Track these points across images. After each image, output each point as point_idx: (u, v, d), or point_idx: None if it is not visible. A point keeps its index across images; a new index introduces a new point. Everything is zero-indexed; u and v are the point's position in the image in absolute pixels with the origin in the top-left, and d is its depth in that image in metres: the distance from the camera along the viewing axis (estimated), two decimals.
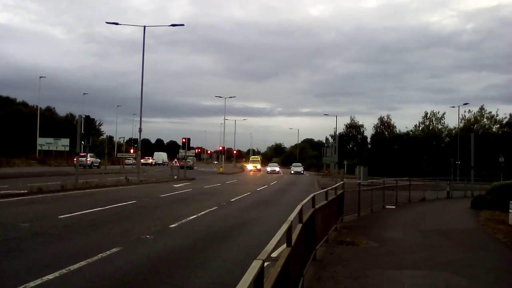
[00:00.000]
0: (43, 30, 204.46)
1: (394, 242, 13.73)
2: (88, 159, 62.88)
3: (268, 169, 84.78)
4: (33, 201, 20.09)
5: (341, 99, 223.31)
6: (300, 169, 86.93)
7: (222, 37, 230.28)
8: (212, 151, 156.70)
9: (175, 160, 51.17)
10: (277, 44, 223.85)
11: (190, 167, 69.34)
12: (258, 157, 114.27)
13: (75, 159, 57.22)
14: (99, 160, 71.90)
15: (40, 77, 78.83)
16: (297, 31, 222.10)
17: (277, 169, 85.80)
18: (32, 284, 7.73)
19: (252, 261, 3.35)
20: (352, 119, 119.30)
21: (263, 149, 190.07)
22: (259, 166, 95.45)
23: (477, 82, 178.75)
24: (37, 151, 75.46)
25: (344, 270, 9.61)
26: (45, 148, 76.47)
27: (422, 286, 8.59)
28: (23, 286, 7.57)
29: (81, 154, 64.85)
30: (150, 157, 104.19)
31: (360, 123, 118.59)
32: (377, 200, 23.09)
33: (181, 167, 50.81)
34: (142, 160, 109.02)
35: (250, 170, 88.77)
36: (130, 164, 78.44)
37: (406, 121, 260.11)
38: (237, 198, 25.93)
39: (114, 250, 10.67)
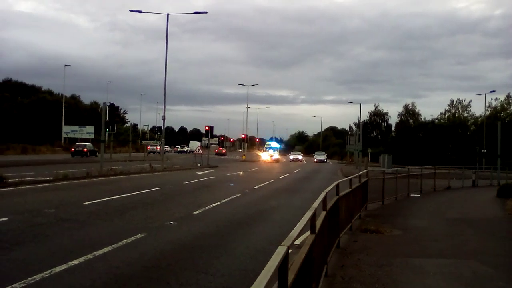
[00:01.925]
0: (67, 19, 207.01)
1: (418, 230, 13.59)
2: (158, 147, 73.84)
3: (291, 157, 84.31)
4: (58, 188, 20.35)
5: (365, 87, 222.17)
6: (323, 157, 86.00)
7: (245, 24, 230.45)
8: (235, 139, 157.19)
9: (199, 147, 51.36)
10: (300, 31, 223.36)
11: (224, 154, 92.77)
12: (276, 144, 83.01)
13: (148, 147, 66.81)
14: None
15: (65, 65, 79.78)
16: (320, 17, 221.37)
17: (300, 157, 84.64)
18: (58, 269, 7.82)
19: (275, 248, 3.31)
20: (376, 107, 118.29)
21: (285, 137, 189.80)
22: (276, 156, 74.06)
23: (505, 69, 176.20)
24: (63, 139, 76.50)
25: (368, 258, 9.54)
26: (70, 135, 77.54)
27: (447, 275, 8.48)
28: (49, 270, 7.66)
29: (152, 143, 72.31)
30: (186, 145, 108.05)
31: (385, 111, 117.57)
32: (402, 188, 22.88)
33: (216, 153, 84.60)
34: (177, 148, 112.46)
35: (264, 161, 69.16)
36: (168, 152, 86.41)
37: (431, 109, 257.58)
38: (259, 185, 25.95)
39: (138, 236, 10.75)
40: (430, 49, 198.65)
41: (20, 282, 7.00)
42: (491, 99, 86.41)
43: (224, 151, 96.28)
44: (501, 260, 10.11)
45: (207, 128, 51.57)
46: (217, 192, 21.27)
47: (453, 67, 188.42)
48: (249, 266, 8.61)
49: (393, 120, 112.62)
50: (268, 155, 72.68)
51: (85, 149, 55.39)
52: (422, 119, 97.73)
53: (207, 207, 16.05)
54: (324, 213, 7.07)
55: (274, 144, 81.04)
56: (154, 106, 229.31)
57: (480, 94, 77.53)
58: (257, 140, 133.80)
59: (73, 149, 55.34)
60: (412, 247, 11.12)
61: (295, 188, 25.86)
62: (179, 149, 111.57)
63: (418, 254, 10.24)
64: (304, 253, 4.75)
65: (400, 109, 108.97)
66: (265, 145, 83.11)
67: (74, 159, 46.80)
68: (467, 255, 10.28)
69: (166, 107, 41.05)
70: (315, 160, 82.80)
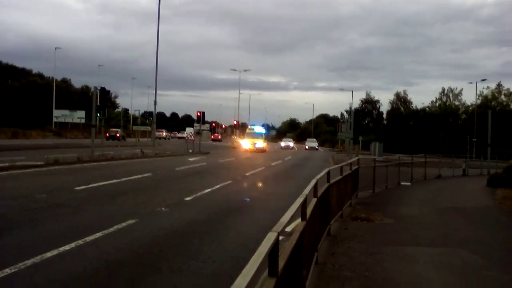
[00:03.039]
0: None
1: (409, 218, 13.68)
2: (164, 133, 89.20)
3: (282, 144, 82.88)
4: (49, 173, 20.27)
5: (358, 74, 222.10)
6: (315, 144, 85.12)
7: (238, 8, 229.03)
8: (227, 125, 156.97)
9: (190, 133, 51.23)
10: (294, 16, 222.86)
11: (219, 140, 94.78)
12: (261, 129, 63.51)
13: (165, 132, 75.47)
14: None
15: (56, 48, 79.14)
16: (314, 2, 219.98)
17: (291, 144, 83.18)
18: (48, 254, 7.80)
19: (266, 235, 3.31)
20: (368, 94, 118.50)
21: (278, 124, 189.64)
22: (261, 144, 56.61)
23: (497, 58, 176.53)
24: (53, 123, 76.07)
25: (358, 246, 9.59)
26: (61, 120, 77.09)
27: (437, 264, 8.55)
28: (40, 256, 7.65)
29: (159, 129, 76.88)
30: (183, 131, 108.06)
31: (376, 98, 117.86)
32: (392, 177, 22.99)
33: (213, 140, 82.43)
34: (173, 134, 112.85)
35: (245, 150, 55.33)
36: (163, 138, 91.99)
37: (423, 97, 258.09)
38: (251, 172, 25.96)
39: (129, 222, 10.74)
40: (423, 36, 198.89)
41: (11, 267, 6.98)
42: (483, 88, 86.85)
43: (219, 137, 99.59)
44: (491, 249, 10.19)
45: (198, 114, 51.36)
46: (208, 179, 21.26)
47: (447, 55, 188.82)
48: (240, 253, 8.64)
49: (385, 108, 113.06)
50: (250, 142, 56.03)
51: (117, 134, 68.25)
52: (414, 107, 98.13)
53: (198, 194, 16.05)
54: (315, 200, 7.09)
55: (259, 129, 61.96)
56: (146, 91, 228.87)
57: (471, 83, 78.38)
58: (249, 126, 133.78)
59: (108, 134, 66.16)
60: (402, 235, 11.20)
61: (287, 175, 25.92)
62: (178, 135, 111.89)
63: (409, 243, 10.31)
64: (295, 240, 4.76)
65: (392, 96, 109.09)
66: (247, 130, 64.31)
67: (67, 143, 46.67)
68: (458, 244, 10.36)
69: (158, 92, 41.02)
70: (307, 147, 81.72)
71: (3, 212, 11.09)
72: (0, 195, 13.50)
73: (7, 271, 6.85)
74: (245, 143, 57.89)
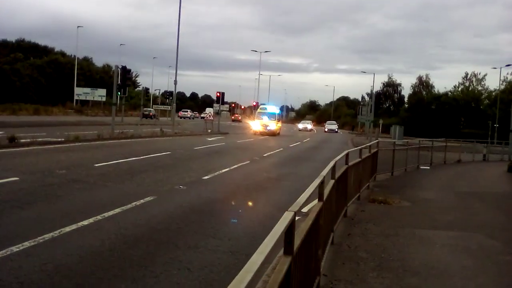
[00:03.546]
0: None
1: (427, 202, 13.60)
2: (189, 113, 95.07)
3: (300, 126, 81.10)
4: (69, 149, 20.49)
5: (380, 57, 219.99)
6: (334, 127, 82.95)
7: None
8: (246, 106, 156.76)
9: (209, 113, 51.24)
10: None
11: (240, 121, 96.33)
12: (274, 109, 54.21)
13: (180, 112, 77.32)
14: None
15: (78, 26, 79.24)
16: None
17: (310, 126, 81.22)
18: (67, 229, 7.92)
19: (283, 215, 3.32)
20: (389, 78, 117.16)
21: (297, 106, 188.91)
22: (273, 126, 49.19)
23: None
24: (75, 101, 76.66)
25: (375, 228, 9.58)
26: (82, 98, 77.68)
27: (454, 247, 8.51)
28: (59, 230, 7.77)
29: (185, 110, 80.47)
30: (204, 112, 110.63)
31: (398, 81, 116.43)
32: (412, 160, 22.84)
33: (233, 120, 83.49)
34: (197, 114, 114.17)
35: (255, 132, 48.27)
36: (187, 117, 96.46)
37: (446, 81, 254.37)
38: (269, 153, 26.00)
39: (148, 199, 10.85)
40: (447, 20, 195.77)
41: (30, 241, 7.11)
42: (507, 73, 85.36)
43: (240, 118, 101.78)
44: (508, 234, 10.12)
45: (218, 94, 51.24)
46: (226, 158, 21.34)
47: (470, 40, 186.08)
48: (257, 232, 8.68)
49: (406, 91, 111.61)
50: (260, 124, 48.74)
51: (151, 114, 71.50)
52: (436, 91, 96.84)
53: (216, 173, 16.13)
54: (332, 181, 7.08)
55: (272, 109, 53.25)
56: (166, 71, 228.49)
57: (495, 68, 76.64)
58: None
59: (143, 113, 70.36)
60: (419, 218, 11.15)
61: (305, 157, 25.89)
62: (203, 115, 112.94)
63: (426, 226, 10.27)
64: (311, 220, 4.77)
65: (414, 80, 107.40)
66: (258, 109, 55.04)
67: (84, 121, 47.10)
68: (475, 229, 10.29)
69: (178, 71, 41.10)
70: (326, 130, 79.88)
71: (23, 187, 11.25)
72: (21, 170, 13.68)
73: (27, 244, 6.98)
74: (255, 125, 49.65)
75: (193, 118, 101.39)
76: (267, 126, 48.36)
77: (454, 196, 15.31)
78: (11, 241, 7.04)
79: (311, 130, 78.47)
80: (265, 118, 49.36)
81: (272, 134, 47.45)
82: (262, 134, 46.72)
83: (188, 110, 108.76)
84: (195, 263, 6.80)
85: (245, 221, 9.69)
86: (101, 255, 6.91)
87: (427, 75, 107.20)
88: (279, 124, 52.60)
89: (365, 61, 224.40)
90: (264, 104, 60.70)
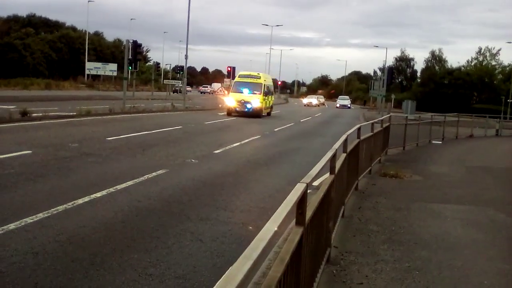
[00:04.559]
0: None
1: (438, 176, 13.57)
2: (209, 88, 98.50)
3: (304, 101, 76.09)
4: (81, 123, 20.59)
5: (393, 31, 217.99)
6: (347, 102, 78.04)
7: None
8: None
9: (220, 88, 51.11)
10: None
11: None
12: (259, 78, 35.65)
13: (200, 88, 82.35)
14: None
15: (89, 1, 78.89)
16: None
17: (315, 101, 74.79)
18: (80, 201, 8.01)
19: (294, 187, 3.33)
20: (402, 52, 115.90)
21: (308, 81, 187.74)
22: (256, 103, 33.68)
23: None
24: (86, 75, 76.75)
25: (386, 201, 9.59)
26: (93, 72, 77.64)
27: (465, 221, 8.51)
28: (72, 202, 7.86)
29: (204, 85, 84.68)
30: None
31: (411, 56, 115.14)
32: (424, 135, 22.71)
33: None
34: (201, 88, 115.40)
35: (229, 110, 33.76)
36: (207, 92, 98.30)
37: (459, 56, 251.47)
38: (280, 128, 25.98)
39: (160, 172, 10.92)
40: None
41: (44, 212, 7.20)
42: None
43: None
44: None
45: (229, 69, 50.82)
46: (237, 133, 21.37)
47: (484, 14, 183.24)
48: (268, 204, 8.74)
49: (419, 66, 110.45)
50: (235, 100, 33.62)
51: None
52: (449, 66, 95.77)
53: (227, 147, 16.17)
54: (344, 155, 7.08)
55: (257, 78, 35.72)
56: (177, 45, 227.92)
57: (510, 42, 75.37)
58: (279, 83, 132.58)
59: (173, 89, 76.36)
60: (431, 192, 11.13)
61: (316, 132, 25.86)
62: (201, 90, 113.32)
63: (437, 200, 10.26)
64: (323, 192, 4.79)
65: (426, 55, 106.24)
66: (237, 77, 37.43)
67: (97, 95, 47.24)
68: (486, 203, 10.26)
69: (189, 46, 40.85)
70: (338, 105, 74.84)
71: (36, 160, 11.35)
72: (33, 143, 13.78)
73: (40, 215, 7.07)
74: (229, 100, 34.01)
75: (212, 93, 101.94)
76: (246, 102, 33.09)
77: (465, 171, 15.24)
78: (26, 212, 7.14)
79: (316, 105, 73.40)
80: (246, 91, 33.80)
81: (255, 114, 32.84)
82: (238, 113, 32.96)
83: (208, 86, 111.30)
84: (207, 235, 6.87)
85: (256, 194, 9.74)
86: (114, 226, 7.00)
87: (440, 50, 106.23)
88: (270, 100, 37.97)
89: (378, 36, 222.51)
90: (243, 75, 36.56)
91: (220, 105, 42.88)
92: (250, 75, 35.91)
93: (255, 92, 34.04)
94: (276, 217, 2.65)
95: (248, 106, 33.04)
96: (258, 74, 36.33)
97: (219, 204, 8.55)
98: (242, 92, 33.94)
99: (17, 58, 67.02)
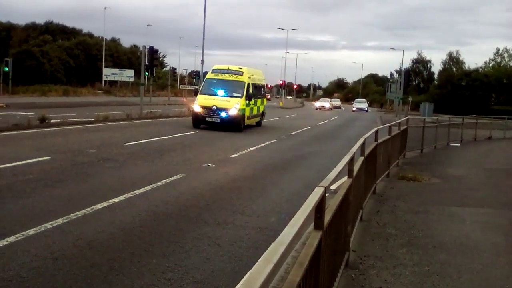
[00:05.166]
0: None
1: (457, 179, 13.44)
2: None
3: (317, 104, 71.52)
4: (99, 129, 20.73)
5: (409, 33, 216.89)
6: (364, 105, 71.85)
7: None
8: (273, 85, 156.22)
9: None
10: None
11: (268, 99, 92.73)
12: (245, 73, 25.52)
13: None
14: None
15: (105, 8, 79.68)
16: None
17: (327, 104, 70.36)
18: (99, 206, 8.06)
19: (311, 192, 3.32)
20: (419, 54, 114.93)
21: (324, 84, 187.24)
22: (232, 111, 23.43)
23: None
24: (103, 82, 77.35)
25: (404, 205, 9.52)
26: (111, 78, 78.20)
27: (484, 224, 8.42)
28: (91, 207, 7.91)
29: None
30: None
31: (428, 58, 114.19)
32: (442, 137, 22.50)
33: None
34: None
35: (196, 116, 23.91)
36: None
37: (477, 57, 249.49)
38: (296, 132, 25.93)
39: (177, 176, 10.96)
40: None
41: (63, 218, 7.26)
42: None
43: (269, 97, 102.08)
44: None
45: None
46: (254, 137, 21.37)
47: (503, 14, 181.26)
48: (284, 208, 8.73)
49: (436, 68, 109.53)
50: (204, 105, 23.89)
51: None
52: (466, 68, 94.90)
53: (244, 151, 16.18)
54: (362, 158, 7.05)
55: (238, 74, 25.66)
56: (193, 51, 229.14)
57: None
58: (295, 86, 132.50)
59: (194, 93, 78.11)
60: (449, 195, 11.03)
61: (332, 135, 25.80)
62: None
63: (456, 203, 10.16)
64: (341, 196, 4.77)
65: (443, 56, 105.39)
66: (209, 74, 27.34)
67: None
68: (506, 206, 10.14)
69: (205, 51, 40.93)
70: (354, 109, 69.69)
71: (55, 166, 11.45)
72: (52, 149, 13.90)
73: (59, 221, 7.13)
74: (196, 106, 24.16)
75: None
76: (220, 109, 23.43)
77: (484, 173, 15.08)
78: (45, 218, 7.20)
79: (329, 108, 69.10)
80: (221, 92, 24.58)
81: (233, 126, 23.41)
82: (208, 125, 23.70)
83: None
84: (224, 239, 6.87)
85: (273, 198, 9.73)
86: (132, 231, 7.03)
87: (457, 51, 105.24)
88: (261, 106, 28.35)
89: (394, 38, 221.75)
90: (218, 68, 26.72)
91: None
92: (228, 69, 25.89)
93: (234, 94, 24.44)
94: (295, 221, 2.64)
95: (222, 114, 23.25)
96: (240, 68, 25.99)
97: (236, 209, 8.56)
98: (215, 95, 24.42)
99: (35, 65, 67.65)
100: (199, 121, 23.80)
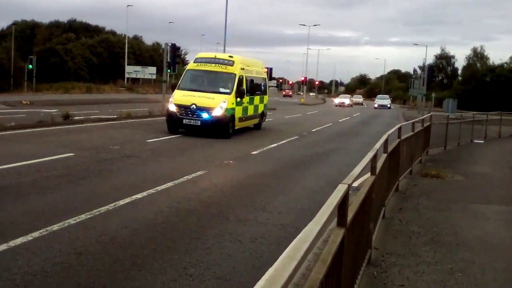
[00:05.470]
0: None
1: (481, 176, 13.26)
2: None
3: (336, 101, 69.88)
4: (122, 126, 20.88)
5: (432, 29, 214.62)
6: (386, 102, 69.53)
7: None
8: (294, 81, 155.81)
9: None
10: None
11: (290, 96, 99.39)
12: (235, 63, 19.85)
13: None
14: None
15: (128, 5, 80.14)
16: None
17: (347, 101, 67.83)
18: (122, 202, 8.13)
19: (332, 190, 3.30)
20: (442, 50, 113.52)
21: (346, 80, 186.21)
22: (218, 111, 18.10)
23: None
24: (125, 79, 77.91)
25: (427, 202, 9.43)
26: (133, 76, 78.68)
27: (508, 221, 8.31)
28: (114, 203, 7.98)
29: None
30: None
31: (451, 54, 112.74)
32: (465, 134, 22.22)
33: (284, 95, 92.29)
34: None
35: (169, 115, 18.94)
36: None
37: (502, 52, 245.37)
38: (318, 128, 25.84)
39: (198, 173, 11.01)
40: None
41: (86, 213, 7.34)
42: None
43: (290, 93, 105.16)
44: None
45: (266, 70, 50.80)
46: (274, 134, 21.33)
47: None
48: (306, 206, 8.71)
49: (460, 64, 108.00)
50: (181, 103, 18.53)
51: (290, 93, 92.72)
52: (491, 63, 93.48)
53: (264, 148, 16.18)
54: (384, 155, 7.00)
55: (226, 66, 19.90)
56: (214, 48, 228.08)
57: None
58: (317, 83, 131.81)
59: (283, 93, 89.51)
60: (473, 193, 10.90)
61: (354, 132, 25.63)
62: None
63: (479, 200, 10.03)
64: (364, 194, 4.74)
65: (467, 52, 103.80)
66: (189, 65, 23.36)
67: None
68: None
69: (226, 48, 40.99)
70: (376, 105, 67.04)
71: (78, 162, 11.58)
72: (75, 146, 14.05)
73: (83, 216, 7.21)
74: (171, 105, 18.87)
75: None
76: (200, 109, 18.33)
77: (509, 171, 14.87)
78: (68, 214, 7.29)
79: (349, 105, 66.33)
80: (204, 87, 19.68)
81: (218, 131, 18.41)
82: (186, 129, 18.77)
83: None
84: (246, 236, 6.88)
85: (294, 195, 9.72)
86: (155, 227, 7.08)
87: (481, 47, 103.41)
88: (260, 104, 23.22)
89: (417, 33, 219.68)
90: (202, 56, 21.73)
91: None
92: (215, 58, 20.53)
93: (220, 89, 19.41)
94: (319, 218, 2.63)
95: (204, 115, 18.22)
96: (231, 57, 20.78)
97: (257, 205, 8.56)
98: (196, 90, 19.23)
99: (58, 63, 68.43)
100: (175, 124, 18.65)
